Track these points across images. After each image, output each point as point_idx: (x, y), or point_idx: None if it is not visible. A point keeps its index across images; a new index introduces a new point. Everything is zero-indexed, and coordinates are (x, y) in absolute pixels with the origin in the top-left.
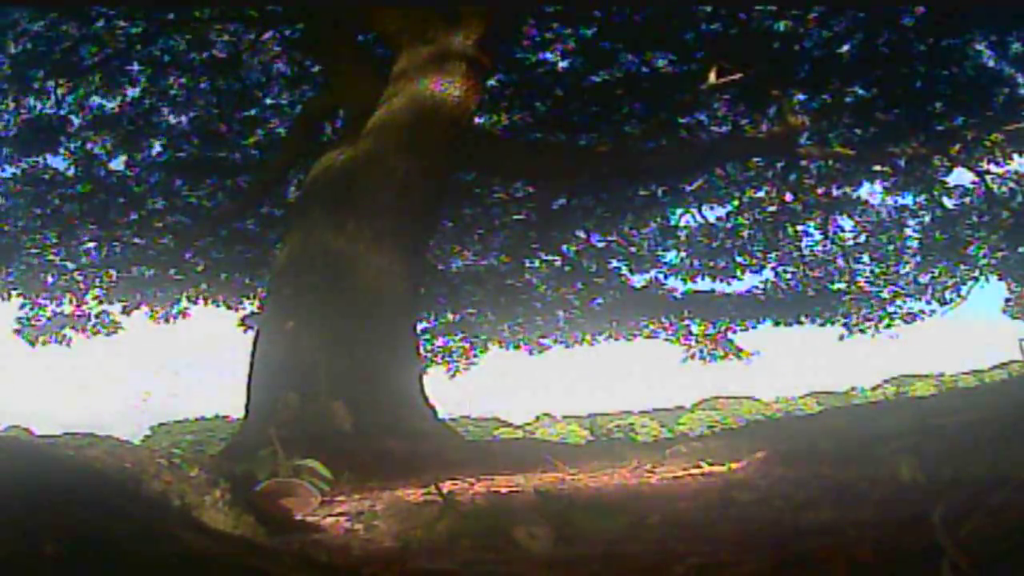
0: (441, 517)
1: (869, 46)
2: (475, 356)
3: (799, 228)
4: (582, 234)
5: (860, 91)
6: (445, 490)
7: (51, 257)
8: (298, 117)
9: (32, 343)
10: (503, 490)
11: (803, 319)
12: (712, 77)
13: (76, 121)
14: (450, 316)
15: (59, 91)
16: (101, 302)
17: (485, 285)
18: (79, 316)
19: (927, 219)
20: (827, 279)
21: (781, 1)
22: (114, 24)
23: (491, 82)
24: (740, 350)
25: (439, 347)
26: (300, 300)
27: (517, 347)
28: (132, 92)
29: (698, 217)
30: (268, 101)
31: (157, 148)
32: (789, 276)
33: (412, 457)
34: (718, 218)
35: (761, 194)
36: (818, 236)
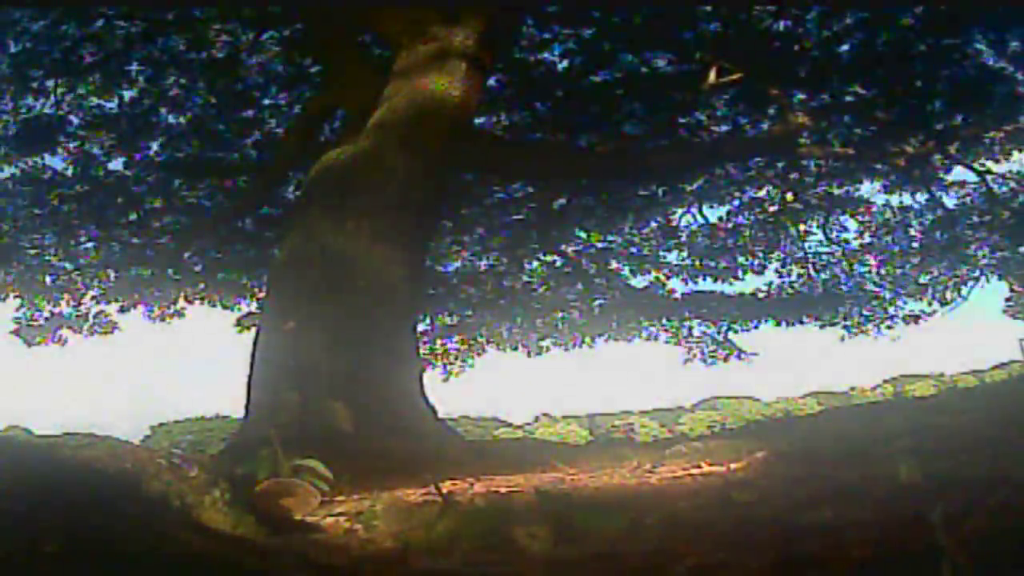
0: (441, 517)
1: (869, 45)
2: (471, 359)
3: (800, 228)
4: (582, 234)
5: (860, 90)
6: (445, 490)
7: (49, 257)
8: (297, 117)
9: (29, 344)
10: (503, 490)
11: (804, 320)
12: (712, 77)
13: (75, 121)
14: (447, 318)
15: (58, 91)
16: (99, 301)
17: (484, 286)
18: (77, 316)
19: (928, 219)
20: (828, 280)
21: (781, 1)
22: (113, 24)
23: (491, 82)
24: (741, 351)
25: (437, 349)
26: (300, 300)
27: (515, 348)
28: (131, 92)
29: (698, 217)
30: (267, 101)
31: (155, 148)
32: (791, 277)
33: (412, 457)
34: (719, 218)
35: (762, 194)
36: (819, 236)
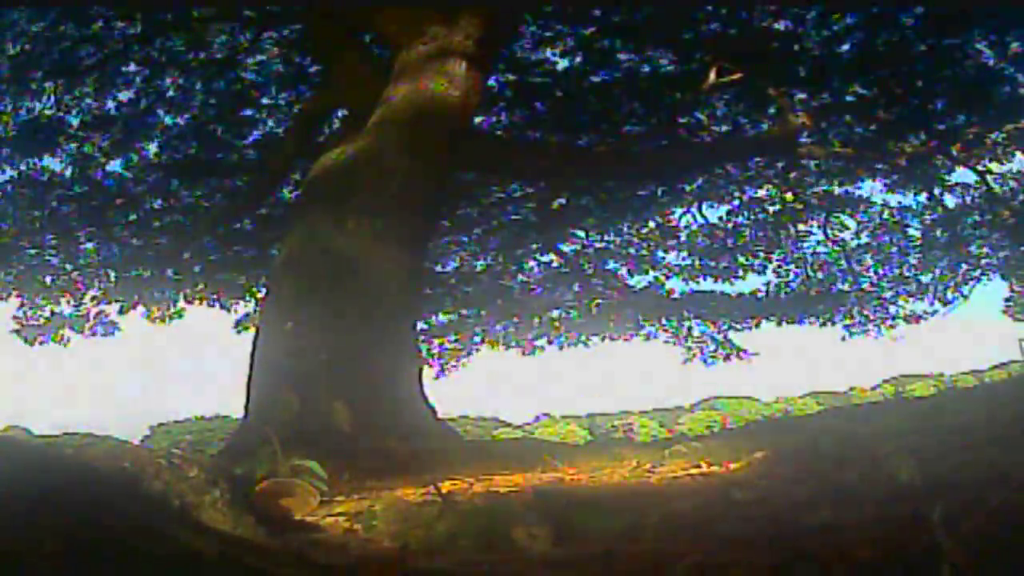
0: (441, 517)
1: (869, 45)
2: (466, 358)
3: (800, 227)
4: (581, 234)
5: (860, 90)
6: (445, 490)
7: (49, 257)
8: (296, 117)
9: (30, 343)
10: (503, 490)
11: (804, 320)
12: (712, 77)
13: (74, 122)
14: (443, 317)
15: (57, 92)
16: (99, 302)
17: (481, 286)
18: (77, 316)
19: (928, 218)
20: (829, 279)
21: (781, 1)
22: (112, 24)
23: (491, 82)
24: (741, 351)
25: (434, 348)
26: (300, 300)
27: (510, 347)
28: (130, 93)
29: (698, 217)
30: (266, 101)
31: (154, 149)
32: (791, 276)
33: (412, 457)
34: (719, 218)
35: (761, 194)
36: (819, 235)
